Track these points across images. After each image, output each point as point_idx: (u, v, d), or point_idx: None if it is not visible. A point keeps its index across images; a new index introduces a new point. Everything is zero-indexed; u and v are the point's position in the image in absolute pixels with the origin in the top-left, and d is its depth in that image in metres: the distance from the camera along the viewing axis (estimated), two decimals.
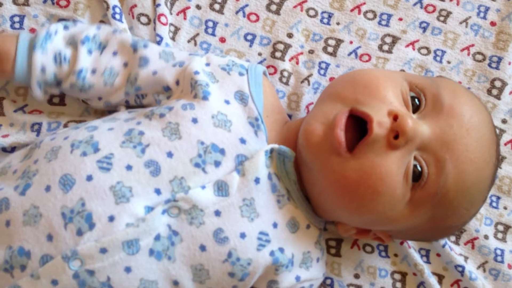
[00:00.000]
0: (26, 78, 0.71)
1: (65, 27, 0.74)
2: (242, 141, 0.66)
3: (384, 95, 0.65)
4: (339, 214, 0.69)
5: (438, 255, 0.84)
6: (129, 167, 0.62)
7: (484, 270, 0.84)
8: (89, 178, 0.61)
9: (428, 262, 0.84)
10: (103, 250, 0.59)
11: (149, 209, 0.61)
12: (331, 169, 0.64)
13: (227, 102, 0.68)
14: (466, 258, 0.84)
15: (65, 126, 0.77)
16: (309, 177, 0.68)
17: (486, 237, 0.85)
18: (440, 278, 0.84)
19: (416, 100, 0.67)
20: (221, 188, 0.64)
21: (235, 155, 0.65)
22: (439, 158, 0.63)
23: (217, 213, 0.63)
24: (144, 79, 0.71)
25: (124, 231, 0.60)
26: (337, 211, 0.68)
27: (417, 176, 0.64)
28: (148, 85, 0.72)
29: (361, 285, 0.82)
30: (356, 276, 0.82)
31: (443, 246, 0.83)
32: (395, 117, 0.62)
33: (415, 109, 0.66)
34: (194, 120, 0.65)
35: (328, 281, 0.82)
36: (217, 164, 0.64)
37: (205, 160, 0.64)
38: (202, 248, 0.63)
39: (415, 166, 0.64)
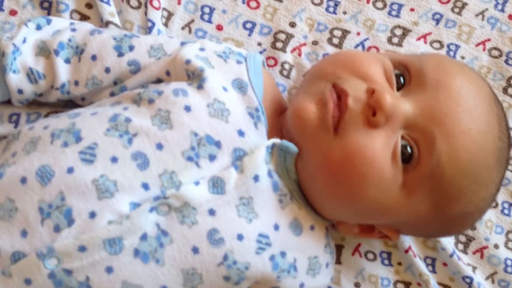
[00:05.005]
0: (8, 97, 0.69)
1: (38, 27, 0.70)
2: (241, 133, 0.62)
3: (365, 72, 0.64)
4: (334, 207, 0.66)
5: (445, 264, 0.81)
6: (114, 159, 0.59)
7: (493, 281, 0.82)
8: (70, 170, 0.58)
9: (434, 271, 0.82)
10: (82, 248, 0.56)
11: (135, 205, 0.58)
12: (319, 149, 0.62)
13: (225, 89, 0.64)
14: (474, 268, 0.82)
15: (46, 117, 0.73)
16: (302, 167, 0.64)
17: (496, 246, 0.82)
18: None
19: (402, 78, 0.65)
20: (217, 185, 0.60)
21: (232, 149, 0.62)
22: (428, 135, 0.61)
23: (211, 212, 0.60)
24: (132, 81, 0.67)
25: (105, 228, 0.57)
26: (331, 204, 0.65)
27: (407, 157, 0.61)
28: (136, 84, 0.68)
29: None
30: (357, 284, 0.80)
31: (451, 255, 0.80)
32: (372, 93, 0.61)
33: (401, 87, 0.65)
34: (187, 108, 0.61)
35: None
36: (211, 158, 0.61)
37: (199, 154, 0.60)
38: (195, 250, 0.59)
39: (404, 147, 0.61)
